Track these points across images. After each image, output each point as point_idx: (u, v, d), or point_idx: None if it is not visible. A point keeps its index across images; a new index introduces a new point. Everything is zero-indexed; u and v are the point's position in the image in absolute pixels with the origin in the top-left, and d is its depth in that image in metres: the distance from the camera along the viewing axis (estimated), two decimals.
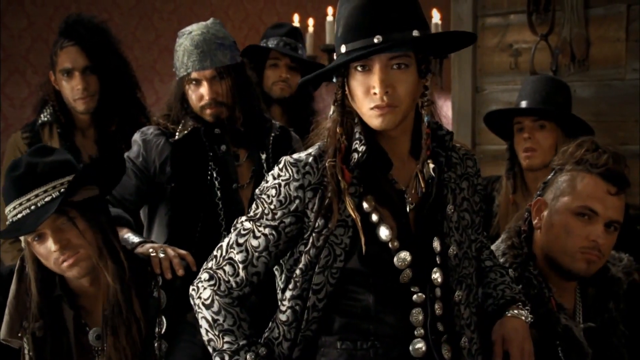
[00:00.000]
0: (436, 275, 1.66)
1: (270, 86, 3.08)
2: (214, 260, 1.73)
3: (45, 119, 2.85)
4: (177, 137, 2.40)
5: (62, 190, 1.82)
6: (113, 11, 5.58)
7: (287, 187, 1.65)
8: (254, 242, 1.68)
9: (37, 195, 1.81)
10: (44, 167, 1.83)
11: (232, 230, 1.73)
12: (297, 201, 1.64)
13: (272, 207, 1.66)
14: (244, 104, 2.44)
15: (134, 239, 2.14)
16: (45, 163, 1.84)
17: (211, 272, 1.72)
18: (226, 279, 1.70)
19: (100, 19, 2.93)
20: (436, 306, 1.67)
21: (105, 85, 2.82)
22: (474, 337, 1.72)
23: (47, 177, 1.82)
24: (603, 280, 2.02)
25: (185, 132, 2.40)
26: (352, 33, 1.57)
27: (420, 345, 1.64)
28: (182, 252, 2.07)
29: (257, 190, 1.71)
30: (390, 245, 1.64)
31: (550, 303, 1.90)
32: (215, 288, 1.70)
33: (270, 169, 2.37)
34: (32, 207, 1.81)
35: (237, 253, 1.69)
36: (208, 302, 1.71)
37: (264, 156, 2.46)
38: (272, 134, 2.51)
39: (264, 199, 1.68)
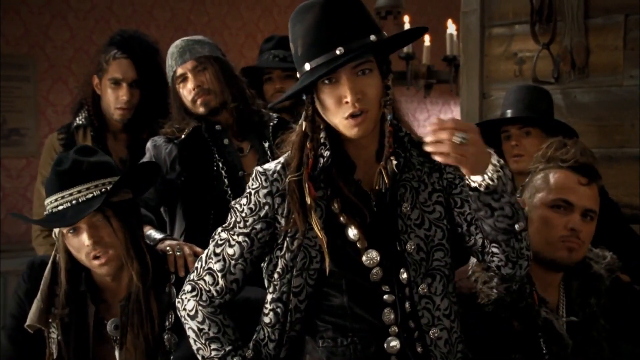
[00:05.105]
0: (404, 276, 1.65)
1: (270, 99, 3.07)
2: (195, 271, 1.73)
3: (80, 122, 2.89)
4: (182, 137, 2.47)
5: (104, 190, 1.86)
6: (150, 24, 5.70)
7: (256, 194, 1.65)
8: (230, 251, 1.68)
9: (79, 191, 1.85)
10: (89, 166, 1.87)
11: (210, 242, 1.73)
12: (266, 207, 1.64)
13: (243, 215, 1.66)
14: (233, 93, 2.48)
15: (156, 235, 2.19)
16: (90, 162, 1.88)
17: (193, 283, 1.73)
18: (207, 289, 1.70)
19: (152, 38, 2.98)
20: (406, 304, 1.65)
21: (144, 99, 2.87)
22: (454, 326, 1.70)
23: (91, 175, 1.86)
24: (585, 276, 2.02)
25: (188, 131, 2.46)
26: (313, 50, 1.55)
27: (394, 343, 1.63)
28: (198, 249, 2.08)
29: (232, 202, 1.72)
30: (358, 244, 1.63)
31: (532, 297, 1.90)
32: (198, 298, 1.71)
33: (274, 155, 2.38)
34: (74, 202, 1.84)
35: (216, 262, 1.69)
36: (192, 312, 1.71)
37: (266, 144, 2.50)
38: (271, 124, 2.55)
39: (236, 208, 1.69)
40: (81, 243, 1.87)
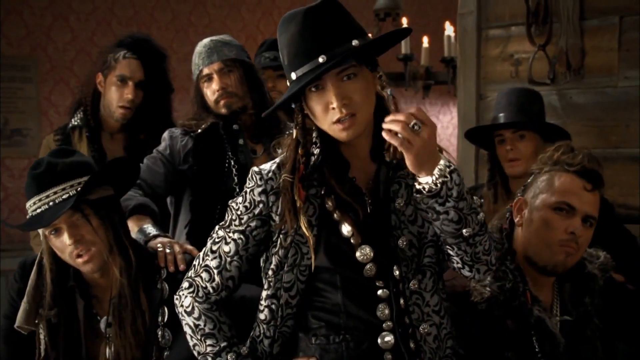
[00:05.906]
0: (397, 272, 1.66)
1: None
2: (193, 269, 1.75)
3: (76, 123, 2.88)
4: (199, 131, 2.51)
5: (79, 189, 1.85)
6: (151, 25, 5.71)
7: (251, 193, 1.67)
8: (226, 248, 1.70)
9: (55, 193, 1.84)
10: (63, 167, 1.86)
11: (208, 240, 1.75)
12: (261, 205, 1.66)
13: (239, 212, 1.68)
14: (254, 98, 2.52)
15: (151, 230, 2.19)
16: (65, 163, 1.87)
17: (190, 280, 1.74)
18: (203, 285, 1.72)
19: (162, 45, 3.00)
20: (401, 300, 1.65)
21: (146, 101, 2.87)
22: (444, 322, 1.71)
23: (65, 176, 1.86)
24: (579, 276, 2.02)
25: (205, 126, 2.50)
26: (297, 59, 1.56)
27: (389, 338, 1.64)
28: (189, 247, 2.09)
29: (229, 202, 1.73)
30: (352, 240, 1.64)
31: (525, 296, 1.90)
32: (194, 295, 1.73)
33: None
34: (50, 203, 1.84)
35: (212, 259, 1.71)
36: (189, 309, 1.73)
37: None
38: (287, 132, 2.57)
39: (232, 206, 1.71)
40: (63, 243, 1.87)
